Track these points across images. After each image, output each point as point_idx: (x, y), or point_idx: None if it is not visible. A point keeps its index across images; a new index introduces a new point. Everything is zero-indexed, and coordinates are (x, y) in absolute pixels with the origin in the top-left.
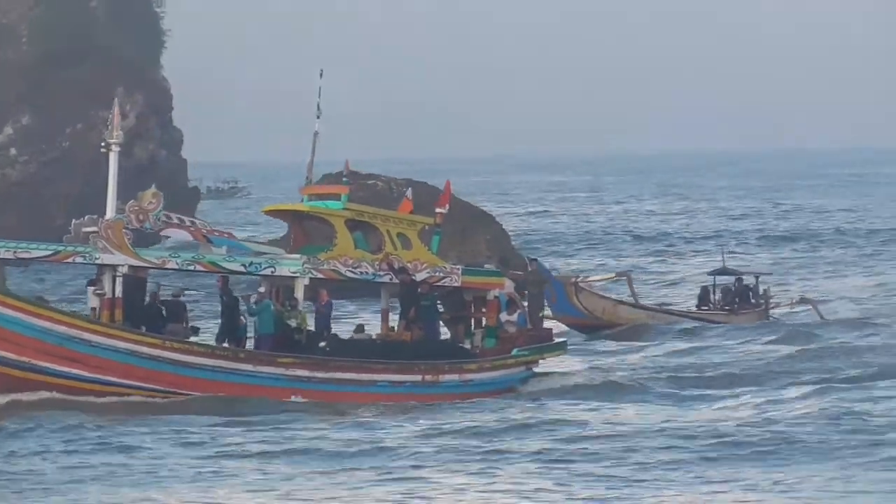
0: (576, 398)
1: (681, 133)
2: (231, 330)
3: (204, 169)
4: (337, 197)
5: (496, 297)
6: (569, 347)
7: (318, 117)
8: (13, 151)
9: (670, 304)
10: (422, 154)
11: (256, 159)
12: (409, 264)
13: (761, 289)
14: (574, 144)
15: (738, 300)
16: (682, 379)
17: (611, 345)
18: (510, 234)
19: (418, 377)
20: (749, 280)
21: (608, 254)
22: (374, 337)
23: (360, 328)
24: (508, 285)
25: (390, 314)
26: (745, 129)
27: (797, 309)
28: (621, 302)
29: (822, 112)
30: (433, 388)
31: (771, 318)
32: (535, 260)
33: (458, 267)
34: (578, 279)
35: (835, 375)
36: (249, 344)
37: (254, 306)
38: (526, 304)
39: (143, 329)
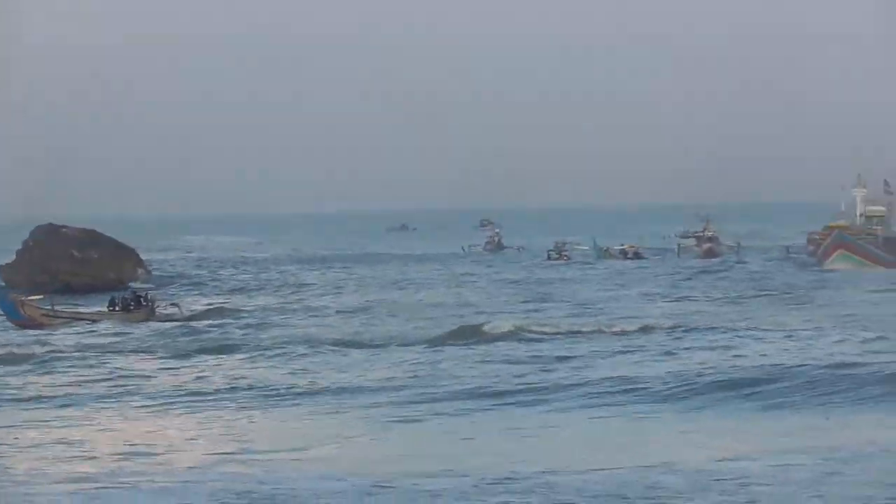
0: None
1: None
2: None
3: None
4: None
5: None
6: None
7: None
8: None
9: (86, 310)
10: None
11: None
12: None
13: (149, 296)
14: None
15: (132, 304)
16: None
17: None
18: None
19: None
20: (141, 291)
21: None
22: None
23: None
24: None
25: None
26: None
27: (169, 310)
28: (46, 312)
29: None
30: None
31: (156, 315)
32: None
33: None
34: (23, 298)
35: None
36: None
37: None
38: None
39: None
